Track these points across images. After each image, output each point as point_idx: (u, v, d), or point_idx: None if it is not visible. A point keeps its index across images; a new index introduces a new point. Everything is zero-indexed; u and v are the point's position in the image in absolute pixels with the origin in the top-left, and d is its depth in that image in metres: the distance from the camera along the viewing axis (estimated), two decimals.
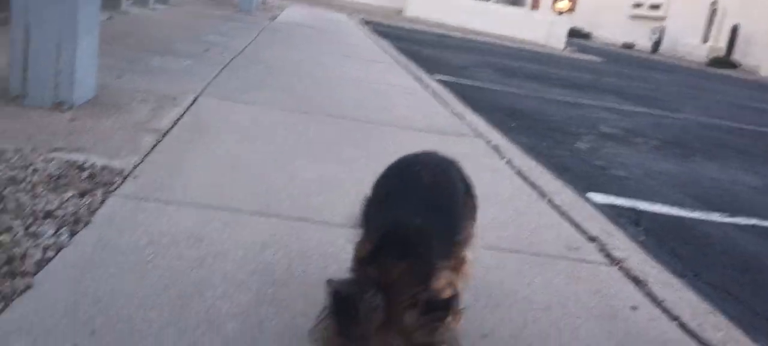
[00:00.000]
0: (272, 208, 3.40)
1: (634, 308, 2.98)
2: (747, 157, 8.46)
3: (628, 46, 41.27)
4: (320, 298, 2.54)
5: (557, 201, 4.52)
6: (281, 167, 4.12)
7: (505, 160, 5.58)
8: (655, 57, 35.32)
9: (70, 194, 3.03)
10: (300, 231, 3.16)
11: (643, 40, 41.42)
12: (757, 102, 17.40)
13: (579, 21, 40.78)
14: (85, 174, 3.32)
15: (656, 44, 40.04)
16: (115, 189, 3.24)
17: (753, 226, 5.26)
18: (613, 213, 4.90)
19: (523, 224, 3.92)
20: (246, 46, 9.63)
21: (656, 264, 3.72)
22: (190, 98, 5.53)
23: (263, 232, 3.07)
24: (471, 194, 2.50)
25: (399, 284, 1.82)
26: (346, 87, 7.80)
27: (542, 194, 4.68)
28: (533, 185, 4.88)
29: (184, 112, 5.02)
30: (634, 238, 4.31)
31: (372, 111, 6.50)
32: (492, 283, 2.95)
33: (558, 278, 3.16)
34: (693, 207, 5.50)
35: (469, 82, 11.53)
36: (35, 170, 3.23)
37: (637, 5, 44.53)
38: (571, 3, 30.45)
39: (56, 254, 2.50)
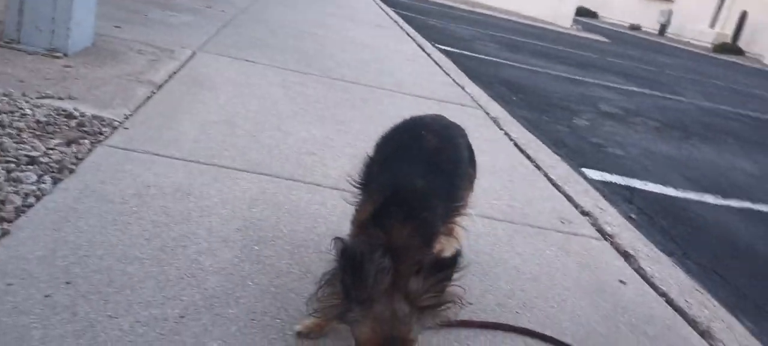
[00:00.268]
0: (263, 166, 3.35)
1: (622, 282, 2.96)
2: (745, 144, 8.42)
3: (635, 28, 40.86)
4: (307, 258, 2.53)
5: (552, 175, 4.48)
6: (275, 126, 4.07)
7: (503, 132, 5.53)
8: (662, 40, 35.01)
9: (56, 141, 2.98)
10: (290, 190, 3.12)
11: (650, 23, 41.00)
12: (760, 89, 17.29)
13: (587, 0, 40.32)
14: (74, 122, 3.26)
15: (663, 27, 39.66)
16: (104, 139, 3.19)
17: (745, 209, 5.24)
18: (607, 190, 4.88)
19: (518, 195, 3.89)
20: (250, 5, 9.49)
21: (647, 241, 3.70)
22: (188, 53, 5.45)
23: (252, 189, 3.03)
24: (473, 162, 2.46)
25: (405, 247, 1.79)
26: (348, 50, 7.70)
27: (538, 167, 4.64)
28: (530, 158, 4.84)
29: (181, 66, 4.95)
30: (626, 215, 4.29)
31: (372, 75, 6.42)
32: (482, 251, 2.92)
33: (548, 250, 3.13)
34: (687, 188, 5.47)
35: (472, 53, 11.41)
36: (23, 115, 3.17)
37: None
38: None
39: (37, 201, 2.46)
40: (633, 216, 4.41)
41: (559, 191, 4.19)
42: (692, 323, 2.75)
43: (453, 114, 2.99)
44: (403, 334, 1.72)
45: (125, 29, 5.81)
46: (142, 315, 1.93)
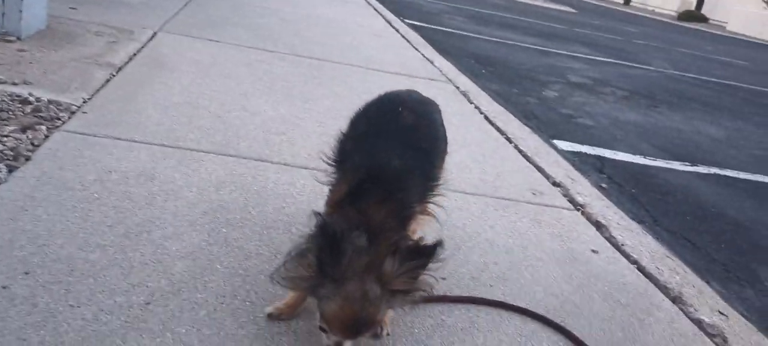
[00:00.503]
0: (230, 147, 3.27)
1: (594, 251, 2.98)
2: (710, 109, 8.55)
3: None
4: (276, 239, 2.47)
5: (523, 147, 4.48)
6: (241, 106, 3.97)
7: (473, 105, 5.51)
8: (627, 9, 35.31)
9: (11, 128, 2.86)
10: (258, 171, 3.05)
11: None
12: (723, 56, 17.58)
13: None
14: (29, 108, 3.13)
15: None
16: (62, 125, 3.07)
17: (713, 175, 5.32)
18: (578, 160, 4.90)
19: (489, 168, 3.87)
20: None
21: (617, 210, 3.72)
22: (149, 33, 5.28)
23: (219, 171, 2.95)
24: (446, 140, 2.42)
25: (381, 228, 1.75)
26: (314, 26, 7.57)
27: (509, 140, 4.63)
28: (500, 131, 4.83)
29: (142, 47, 4.80)
30: (597, 184, 4.32)
31: (340, 51, 6.33)
32: (454, 225, 2.90)
33: (521, 222, 3.13)
34: (655, 156, 5.53)
35: (440, 27, 11.34)
36: None
37: None
38: None
39: None
40: (603, 185, 4.44)
41: (530, 162, 4.19)
42: (664, 289, 2.78)
43: (422, 89, 2.94)
44: (370, 314, 1.69)
45: (81, 10, 5.61)
46: (106, 303, 1.87)
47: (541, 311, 2.31)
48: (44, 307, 1.81)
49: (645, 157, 5.41)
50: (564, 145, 5.26)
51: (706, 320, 2.56)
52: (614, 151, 5.40)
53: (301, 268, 1.72)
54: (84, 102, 3.41)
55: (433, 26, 11.14)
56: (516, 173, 3.91)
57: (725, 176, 5.37)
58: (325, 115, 4.11)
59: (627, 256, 3.02)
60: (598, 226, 3.31)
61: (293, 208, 2.75)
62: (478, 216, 3.09)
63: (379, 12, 10.29)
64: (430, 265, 1.72)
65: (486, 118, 5.13)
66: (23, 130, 2.86)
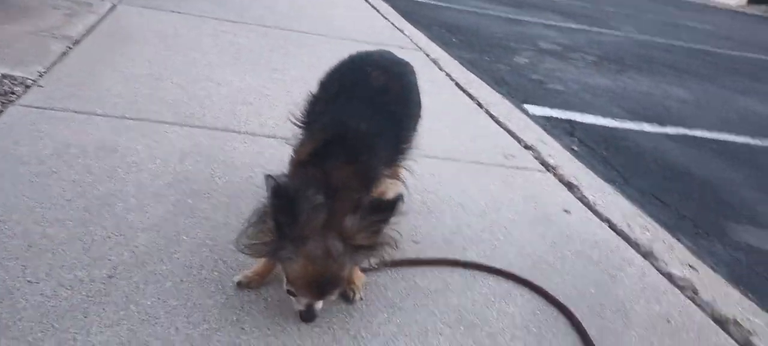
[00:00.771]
0: (195, 118, 3.18)
1: (566, 211, 2.98)
2: (678, 73, 8.63)
3: None
4: (244, 209, 2.40)
5: (494, 112, 4.46)
6: (206, 77, 3.86)
7: (444, 73, 5.46)
8: None
9: None
10: (224, 141, 2.97)
11: None
12: (690, 21, 17.78)
13: None
14: None
15: None
16: (17, 99, 2.95)
17: (681, 135, 5.38)
18: (549, 124, 4.90)
19: (461, 133, 3.84)
20: None
21: (589, 171, 3.73)
22: (108, 5, 5.10)
23: (183, 142, 2.87)
24: (419, 104, 2.37)
25: (342, 188, 1.71)
26: None
27: (480, 105, 4.60)
28: (472, 97, 4.80)
29: (101, 20, 4.63)
30: (568, 147, 4.32)
31: (308, 21, 6.20)
32: (427, 190, 2.87)
33: (493, 185, 3.11)
34: (625, 118, 5.56)
35: None
36: None
37: None
38: None
39: None
40: (575, 148, 4.45)
41: (502, 127, 4.17)
42: (635, 245, 2.79)
43: None
44: (334, 271, 1.66)
45: None
46: (66, 278, 1.79)
47: (514, 271, 2.30)
48: (0, 284, 1.73)
49: (615, 120, 5.44)
50: (535, 109, 5.26)
51: (677, 273, 2.58)
52: (584, 115, 5.41)
53: (262, 233, 1.67)
54: (40, 75, 3.28)
55: None
56: (488, 137, 3.89)
57: (693, 136, 5.44)
58: (293, 85, 4.02)
59: (599, 215, 3.03)
60: (570, 187, 3.32)
61: (261, 177, 2.67)
62: (451, 180, 3.06)
63: None
64: (392, 219, 1.68)
65: (457, 85, 5.10)
66: None
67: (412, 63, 2.46)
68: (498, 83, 5.94)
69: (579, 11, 14.41)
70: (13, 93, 2.97)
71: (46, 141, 2.59)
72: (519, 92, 5.79)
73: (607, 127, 5.20)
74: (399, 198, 1.69)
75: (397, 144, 2.08)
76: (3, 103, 2.84)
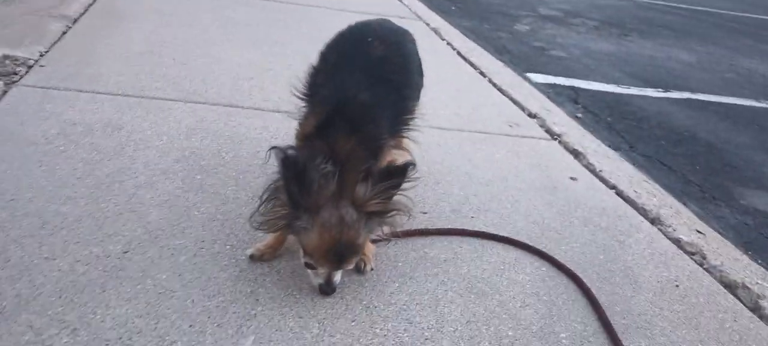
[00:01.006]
0: (198, 94, 3.17)
1: (573, 178, 2.98)
2: (681, 35, 8.57)
3: None
4: (253, 183, 2.41)
5: (497, 81, 4.44)
6: (207, 53, 3.84)
7: (445, 42, 5.43)
8: None
9: None
10: (229, 117, 2.97)
11: None
12: None
13: None
14: None
15: None
16: (19, 80, 2.94)
17: (686, 99, 5.36)
18: (552, 92, 4.88)
19: (464, 103, 3.83)
20: None
21: (594, 138, 3.73)
22: None
23: (189, 119, 2.86)
24: (421, 72, 2.36)
25: (349, 158, 1.71)
26: None
27: (483, 74, 4.59)
28: (474, 66, 4.77)
29: None
30: (572, 114, 4.32)
31: None
32: (433, 160, 2.87)
33: (499, 154, 3.11)
34: (629, 84, 5.54)
35: None
36: None
37: None
38: None
39: None
40: (579, 115, 4.44)
41: (505, 96, 4.16)
42: (642, 211, 2.80)
43: None
44: (350, 238, 1.67)
45: None
46: (82, 254, 1.81)
47: (522, 239, 2.32)
48: (18, 261, 1.74)
49: (619, 86, 5.42)
50: (538, 77, 5.23)
51: (685, 238, 2.60)
52: (588, 81, 5.39)
53: (275, 208, 1.68)
54: (41, 56, 3.27)
55: None
56: (491, 106, 3.88)
57: (698, 99, 5.42)
58: (295, 58, 4.00)
59: (605, 181, 3.03)
60: (576, 154, 3.32)
61: (268, 148, 2.68)
62: (456, 150, 3.07)
63: None
64: (403, 185, 1.69)
65: (459, 54, 5.07)
66: None
67: (412, 33, 2.44)
68: (499, 52, 5.91)
69: None
70: (15, 73, 2.96)
71: (52, 121, 2.58)
72: (521, 60, 5.76)
73: (611, 93, 5.19)
74: (410, 164, 1.70)
75: (400, 113, 2.07)
76: (6, 84, 2.83)
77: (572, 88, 5.13)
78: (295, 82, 2.05)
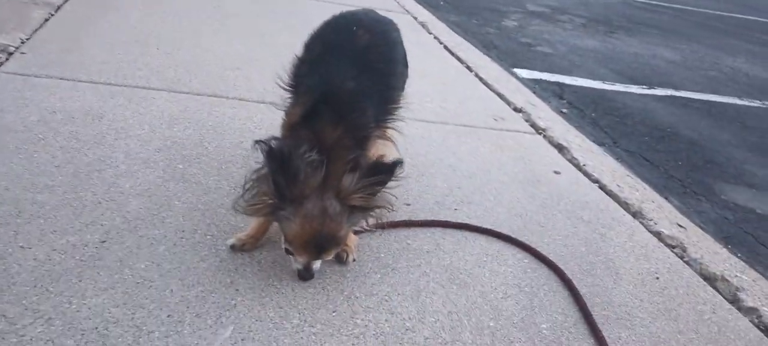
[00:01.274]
0: (182, 84, 3.14)
1: (556, 172, 2.99)
2: (666, 34, 8.63)
3: None
4: (235, 173, 2.39)
5: (484, 75, 4.44)
6: (193, 42, 3.81)
7: (432, 35, 5.43)
8: None
9: None
10: (213, 107, 2.95)
11: None
12: None
13: None
14: None
15: None
16: (0, 66, 2.90)
17: (669, 96, 5.40)
18: (538, 87, 4.90)
19: (450, 96, 3.83)
20: None
21: (578, 133, 3.75)
22: None
23: (172, 108, 2.84)
24: (406, 62, 2.36)
25: (335, 147, 1.71)
26: None
27: (469, 69, 4.59)
28: (461, 60, 4.78)
29: None
30: (557, 109, 4.33)
31: None
32: (417, 153, 2.87)
33: (483, 147, 3.11)
34: (614, 80, 5.57)
35: None
36: None
37: None
38: None
39: None
40: (564, 110, 4.46)
41: (491, 90, 4.16)
42: (624, 205, 2.82)
43: None
44: (331, 230, 1.67)
45: None
46: (59, 243, 1.78)
47: (505, 231, 2.32)
48: None
49: (604, 82, 5.45)
50: (524, 73, 5.25)
51: (666, 232, 2.61)
52: (573, 77, 5.41)
53: (259, 195, 1.68)
54: (22, 42, 3.22)
55: None
56: (477, 100, 3.88)
57: (681, 97, 5.46)
58: (283, 50, 3.96)
59: (588, 175, 3.05)
60: (560, 148, 3.33)
61: (252, 142, 2.67)
62: (441, 143, 3.07)
63: None
64: (390, 183, 1.69)
65: (446, 48, 5.07)
66: None
67: (400, 25, 2.43)
68: (487, 47, 5.92)
69: None
70: None
71: (31, 108, 2.55)
72: (508, 55, 5.77)
73: (597, 89, 5.21)
74: (398, 162, 1.70)
75: (386, 103, 2.06)
76: None
77: (558, 83, 5.15)
78: (281, 74, 2.04)
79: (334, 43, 2.08)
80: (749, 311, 2.18)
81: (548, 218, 2.54)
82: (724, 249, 2.68)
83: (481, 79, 4.36)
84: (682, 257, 2.46)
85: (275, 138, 1.73)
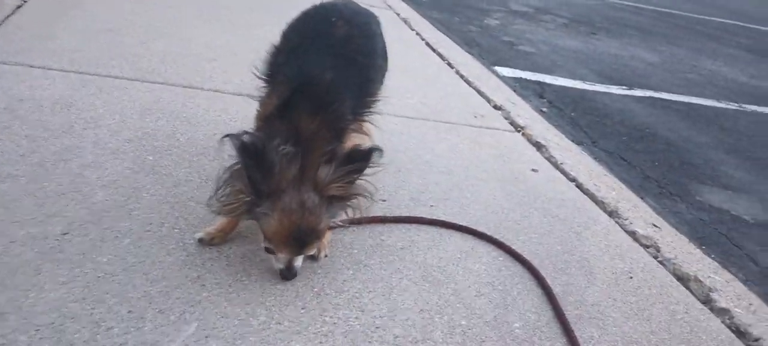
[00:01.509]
0: (157, 74, 3.08)
1: (534, 170, 2.98)
2: (646, 36, 8.69)
3: None
4: (207, 166, 2.34)
5: (464, 72, 4.43)
6: (169, 32, 3.74)
7: (414, 32, 5.40)
8: None
9: None
10: (188, 98, 2.89)
11: None
12: None
13: None
14: None
15: None
16: None
17: (648, 98, 5.42)
18: (519, 85, 4.89)
19: (430, 92, 3.81)
20: None
21: (557, 132, 3.74)
22: None
23: (145, 98, 2.77)
24: (385, 55, 2.32)
25: (311, 139, 1.66)
26: None
27: (450, 65, 4.57)
28: (442, 57, 4.76)
29: None
30: (537, 108, 4.32)
31: None
32: (395, 149, 2.84)
33: (462, 144, 3.09)
34: (594, 81, 5.59)
35: None
36: None
37: None
38: None
39: None
40: (544, 109, 4.45)
41: (472, 87, 4.15)
42: (601, 204, 2.81)
43: None
44: (311, 223, 1.63)
45: None
46: (18, 235, 1.72)
47: (481, 229, 2.30)
48: None
49: (584, 82, 5.46)
50: (505, 71, 5.24)
51: (640, 232, 2.61)
52: (554, 77, 5.42)
53: (234, 192, 1.63)
54: None
55: None
56: (457, 97, 3.86)
57: (660, 98, 5.49)
58: (259, 42, 3.91)
59: (566, 174, 3.04)
60: (538, 146, 3.32)
61: (221, 137, 2.62)
62: (419, 139, 3.04)
63: None
64: (367, 170, 1.66)
65: (427, 44, 5.05)
66: None
67: (382, 20, 2.40)
68: (469, 44, 5.91)
69: None
70: None
71: None
72: (490, 53, 5.77)
73: (577, 89, 5.22)
74: (375, 149, 1.67)
75: (364, 95, 2.03)
76: None
77: (538, 82, 5.15)
78: (259, 65, 2.00)
79: (312, 33, 2.04)
80: (721, 312, 2.18)
81: (524, 215, 2.52)
82: (698, 250, 2.69)
83: (462, 76, 4.34)
84: (656, 257, 2.46)
85: (247, 132, 1.69)
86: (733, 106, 5.73)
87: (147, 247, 1.80)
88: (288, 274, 1.75)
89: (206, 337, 1.52)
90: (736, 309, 2.18)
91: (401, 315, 1.77)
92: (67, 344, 1.40)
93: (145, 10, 4.04)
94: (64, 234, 1.77)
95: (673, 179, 3.73)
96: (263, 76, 1.98)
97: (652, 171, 3.79)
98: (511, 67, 5.44)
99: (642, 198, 3.19)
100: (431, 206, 2.43)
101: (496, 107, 3.81)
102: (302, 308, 1.71)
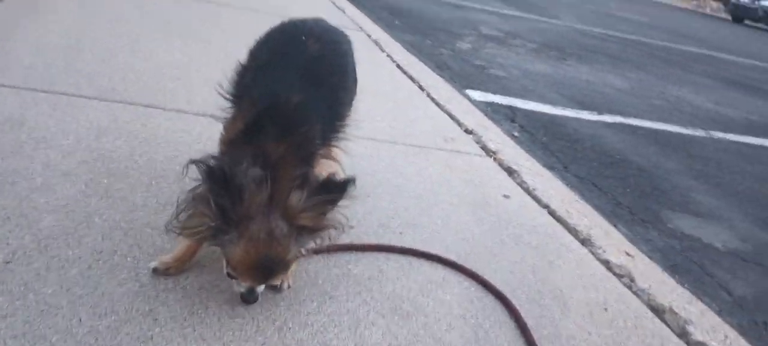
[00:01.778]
0: (116, 92, 2.95)
1: (506, 196, 2.92)
2: (616, 62, 8.82)
3: None
4: (166, 189, 2.22)
5: (435, 95, 4.38)
6: (130, 49, 3.62)
7: (385, 54, 5.36)
8: None
9: None
10: (148, 118, 2.77)
11: None
12: (626, 12, 18.31)
13: None
14: None
15: None
16: None
17: (618, 123, 5.45)
18: (490, 109, 4.87)
19: (400, 115, 3.74)
20: None
21: (529, 157, 3.70)
22: None
23: (102, 118, 2.65)
24: (355, 78, 2.24)
25: (279, 164, 1.57)
26: None
27: (421, 88, 4.52)
28: (413, 80, 4.71)
29: None
30: (508, 132, 4.29)
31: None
32: (364, 172, 2.75)
33: (432, 168, 3.02)
34: (565, 106, 5.60)
35: None
36: None
37: None
38: None
39: None
40: (515, 133, 4.43)
41: (443, 111, 4.10)
42: (573, 231, 2.76)
43: None
44: (278, 254, 1.54)
45: None
46: None
47: (452, 257, 2.22)
48: None
49: (555, 107, 5.47)
50: (476, 95, 5.22)
51: (614, 260, 2.57)
52: (526, 101, 5.42)
53: (197, 217, 1.52)
54: None
55: None
56: (428, 120, 3.81)
57: (629, 124, 5.53)
58: (227, 60, 3.81)
59: (538, 200, 2.99)
60: (510, 172, 3.27)
61: (187, 156, 2.46)
62: (389, 163, 2.96)
63: None
64: (340, 202, 1.57)
65: (399, 67, 5.00)
66: None
67: (353, 42, 2.32)
68: (440, 67, 5.89)
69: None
70: None
71: None
72: (461, 77, 5.75)
73: (548, 114, 5.22)
74: (351, 180, 1.58)
75: (334, 119, 1.94)
76: None
77: (510, 107, 5.13)
78: (224, 84, 1.90)
79: (281, 52, 1.95)
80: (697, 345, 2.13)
81: (496, 242, 2.45)
82: (672, 279, 2.65)
83: (432, 99, 4.29)
84: (630, 287, 2.41)
85: (213, 156, 1.59)
86: (699, 132, 5.80)
87: (96, 277, 1.67)
88: (250, 298, 1.65)
89: None
90: (712, 342, 2.13)
91: None
92: None
93: (99, 26, 3.91)
94: (6, 263, 1.64)
95: (644, 206, 3.71)
96: (229, 96, 1.89)
97: (623, 197, 3.77)
98: (482, 90, 5.42)
99: (614, 225, 3.15)
100: (401, 232, 2.35)
101: (468, 131, 3.76)
102: (263, 344, 1.60)
